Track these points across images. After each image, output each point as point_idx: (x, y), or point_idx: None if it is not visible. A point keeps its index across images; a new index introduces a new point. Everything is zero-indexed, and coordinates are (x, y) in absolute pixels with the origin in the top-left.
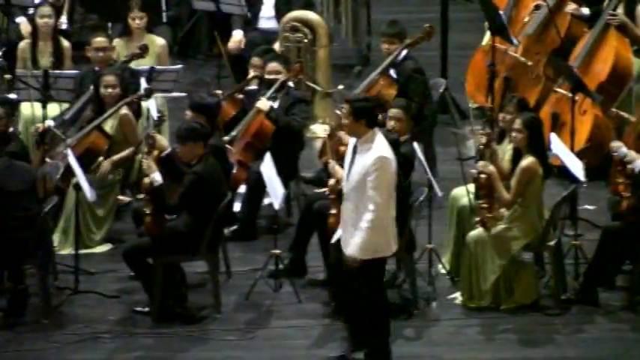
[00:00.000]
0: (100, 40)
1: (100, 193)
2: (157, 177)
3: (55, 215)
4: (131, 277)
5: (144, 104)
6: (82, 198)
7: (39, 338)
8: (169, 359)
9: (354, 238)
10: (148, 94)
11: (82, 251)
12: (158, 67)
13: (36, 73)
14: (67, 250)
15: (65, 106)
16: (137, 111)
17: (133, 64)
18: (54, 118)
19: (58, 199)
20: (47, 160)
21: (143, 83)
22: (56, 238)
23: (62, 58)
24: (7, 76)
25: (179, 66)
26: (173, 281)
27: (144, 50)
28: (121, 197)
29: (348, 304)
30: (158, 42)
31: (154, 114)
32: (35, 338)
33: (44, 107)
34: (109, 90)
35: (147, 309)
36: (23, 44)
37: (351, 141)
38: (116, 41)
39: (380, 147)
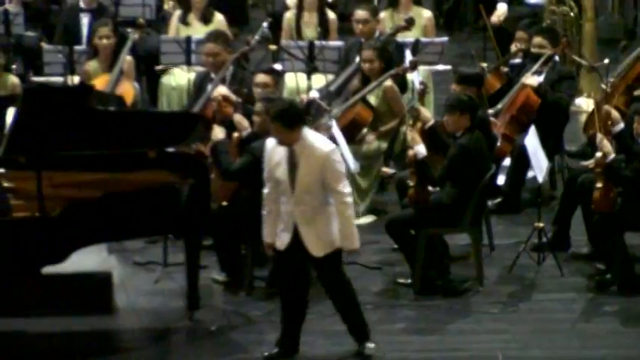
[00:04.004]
0: (361, 13)
1: (364, 165)
2: (421, 149)
3: None
4: (394, 248)
5: (409, 77)
6: (346, 169)
7: None
8: (432, 331)
9: (345, 229)
10: (413, 66)
11: None
12: (424, 39)
13: (301, 44)
14: None
15: (330, 77)
16: (402, 83)
17: (399, 37)
18: (319, 90)
19: None
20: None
21: (408, 55)
22: None
23: (328, 29)
24: (273, 47)
25: (444, 38)
26: (436, 253)
27: (410, 23)
28: (384, 169)
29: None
30: (424, 14)
31: (417, 85)
32: None
33: (309, 78)
34: (367, 65)
35: (409, 281)
36: (289, 15)
37: (278, 149)
38: (383, 13)
39: (319, 139)
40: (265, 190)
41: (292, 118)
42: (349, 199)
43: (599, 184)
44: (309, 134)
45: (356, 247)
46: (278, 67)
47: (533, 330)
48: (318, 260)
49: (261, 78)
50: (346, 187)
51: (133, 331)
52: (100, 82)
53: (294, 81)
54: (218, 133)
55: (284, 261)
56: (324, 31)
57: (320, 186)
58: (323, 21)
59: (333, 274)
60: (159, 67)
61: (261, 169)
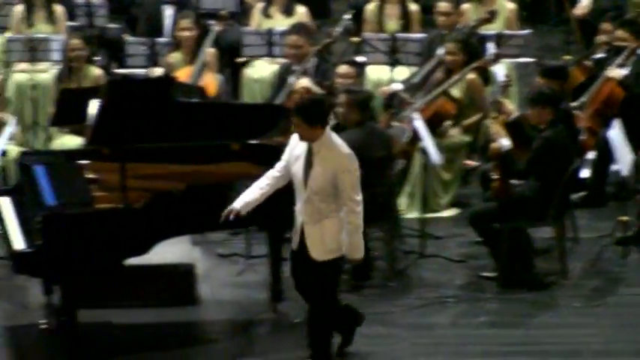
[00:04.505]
0: (443, 5)
1: (447, 157)
2: (504, 142)
3: (401, 179)
4: (477, 242)
5: (492, 69)
6: (428, 162)
7: (384, 301)
8: (516, 324)
9: (352, 239)
10: (495, 58)
11: (429, 215)
12: (506, 31)
13: (383, 36)
14: (414, 214)
15: (413, 70)
16: (485, 76)
17: (482, 29)
18: (402, 82)
19: (404, 162)
20: (394, 123)
21: (491, 48)
22: (403, 201)
23: (410, 21)
24: (355, 39)
25: (527, 31)
26: (519, 247)
27: (493, 15)
28: (468, 162)
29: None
30: (508, 6)
31: (500, 78)
32: (380, 301)
33: (391, 71)
34: (450, 57)
35: (493, 274)
36: (371, 7)
37: (301, 144)
38: (466, 5)
39: (342, 145)
40: (273, 170)
41: (313, 114)
42: (360, 209)
43: None
44: (332, 136)
45: (360, 257)
46: (361, 59)
47: (617, 324)
48: (315, 264)
49: (343, 69)
50: (358, 196)
51: (216, 323)
52: (183, 74)
53: (377, 73)
54: None
55: (295, 262)
56: (407, 24)
57: (330, 190)
58: (405, 13)
59: (326, 285)
60: (240, 60)
61: None
